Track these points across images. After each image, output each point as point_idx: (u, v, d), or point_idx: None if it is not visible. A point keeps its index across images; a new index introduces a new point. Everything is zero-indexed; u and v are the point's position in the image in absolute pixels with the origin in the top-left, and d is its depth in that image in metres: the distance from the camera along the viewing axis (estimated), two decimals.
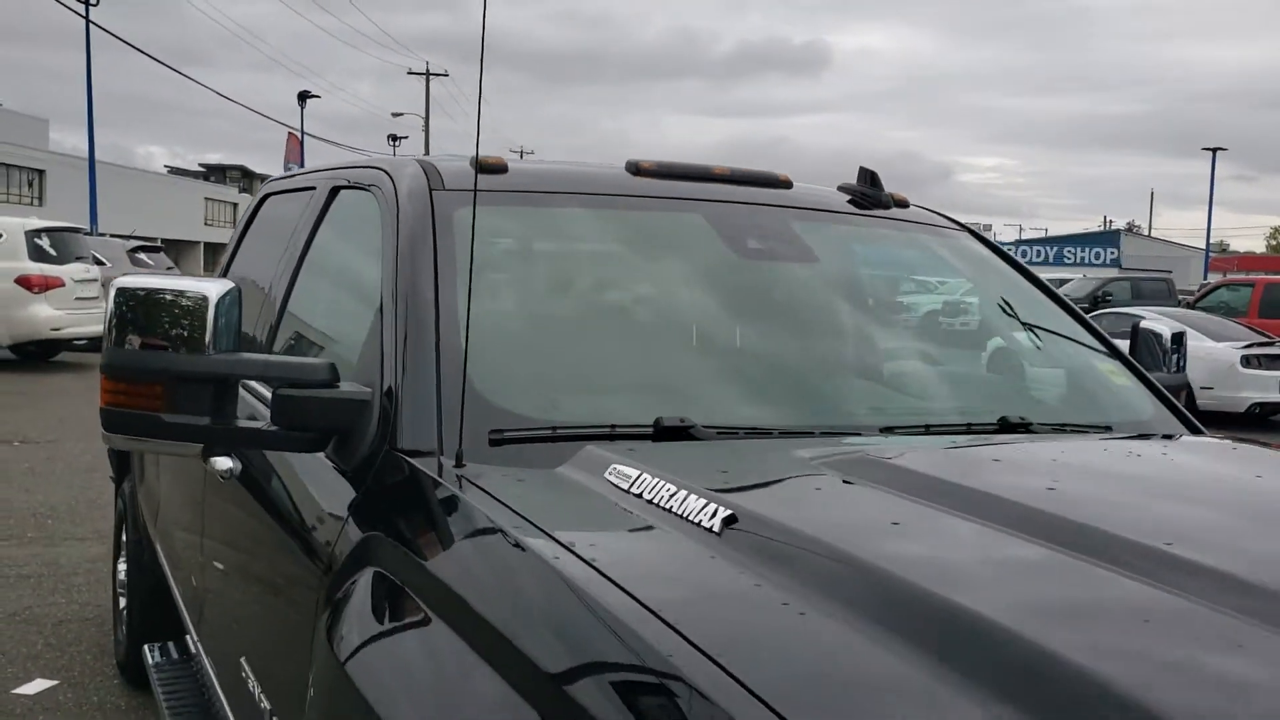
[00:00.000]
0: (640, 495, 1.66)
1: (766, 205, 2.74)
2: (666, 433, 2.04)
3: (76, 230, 17.72)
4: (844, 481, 1.78)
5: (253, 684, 2.34)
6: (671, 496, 1.61)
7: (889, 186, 2.95)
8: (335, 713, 1.69)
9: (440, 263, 2.25)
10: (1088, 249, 61.29)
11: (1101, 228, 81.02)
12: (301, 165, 19.45)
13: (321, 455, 2.16)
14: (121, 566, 4.72)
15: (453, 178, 2.48)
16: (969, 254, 3.03)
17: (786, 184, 2.85)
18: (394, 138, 64.19)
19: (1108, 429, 2.46)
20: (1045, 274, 38.04)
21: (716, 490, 1.61)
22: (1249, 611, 1.22)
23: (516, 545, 1.52)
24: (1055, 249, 61.41)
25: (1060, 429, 2.42)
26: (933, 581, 1.28)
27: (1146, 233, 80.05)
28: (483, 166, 2.52)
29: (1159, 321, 3.13)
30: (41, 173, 55.40)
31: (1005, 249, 3.12)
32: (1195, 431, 2.60)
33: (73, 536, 6.79)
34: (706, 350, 2.49)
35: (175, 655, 3.80)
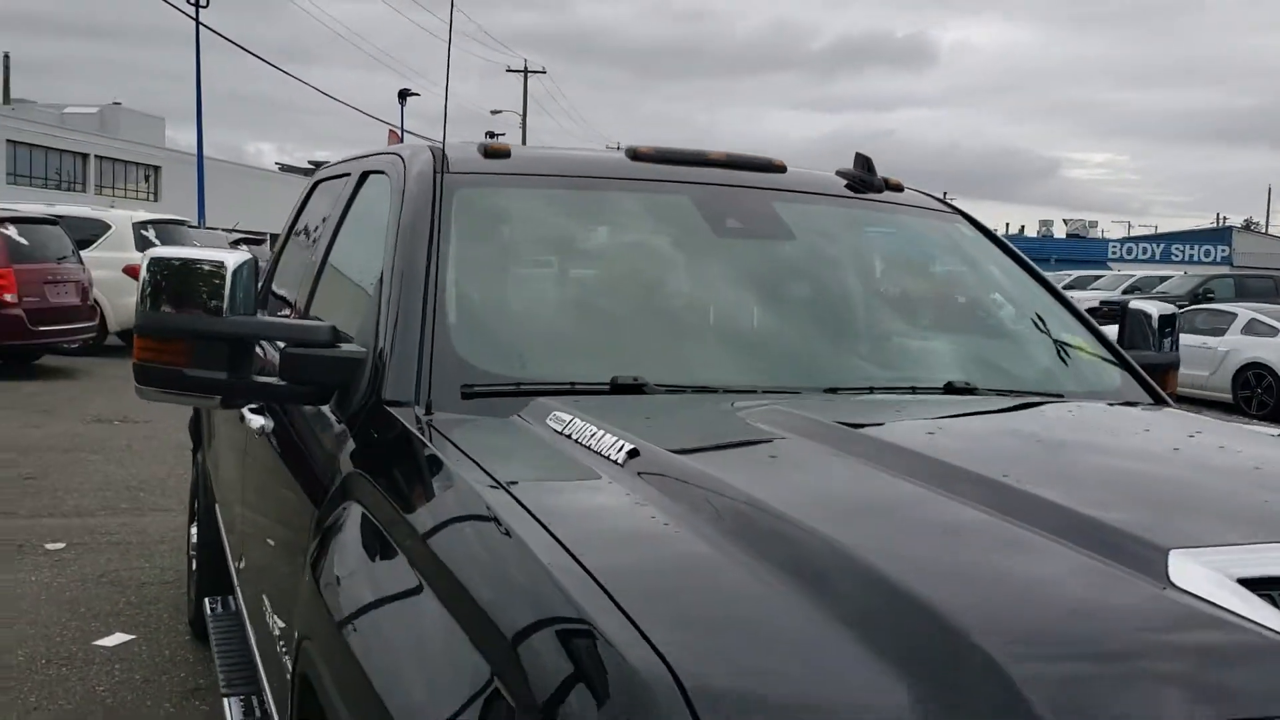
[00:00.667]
0: (569, 436, 1.90)
1: (754, 188, 2.92)
2: (621, 389, 2.26)
3: (181, 223, 18.51)
4: (745, 425, 1.98)
5: (269, 614, 2.61)
6: (591, 436, 1.84)
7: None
8: (311, 621, 1.93)
9: (436, 237, 2.48)
10: (1197, 246, 59.43)
11: (1214, 225, 78.48)
12: None
13: (326, 408, 2.41)
14: (194, 530, 5.07)
15: (458, 162, 2.72)
16: (960, 236, 3.17)
17: (780, 168, 3.02)
18: (490, 134, 65.21)
19: (1059, 396, 2.58)
20: (1144, 271, 36.97)
21: (631, 431, 1.82)
22: (1049, 527, 1.40)
23: (456, 475, 1.75)
24: (1162, 246, 59.65)
25: (1004, 394, 2.54)
26: (775, 499, 1.49)
27: (1264, 230, 77.41)
28: (489, 151, 2.79)
29: (1149, 303, 3.22)
30: (157, 169, 57.44)
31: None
32: (1160, 403, 2.72)
33: (161, 508, 7.23)
34: (671, 318, 2.68)
35: (232, 608, 4.12)
